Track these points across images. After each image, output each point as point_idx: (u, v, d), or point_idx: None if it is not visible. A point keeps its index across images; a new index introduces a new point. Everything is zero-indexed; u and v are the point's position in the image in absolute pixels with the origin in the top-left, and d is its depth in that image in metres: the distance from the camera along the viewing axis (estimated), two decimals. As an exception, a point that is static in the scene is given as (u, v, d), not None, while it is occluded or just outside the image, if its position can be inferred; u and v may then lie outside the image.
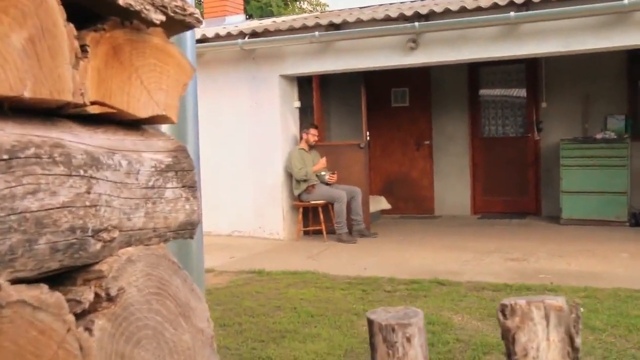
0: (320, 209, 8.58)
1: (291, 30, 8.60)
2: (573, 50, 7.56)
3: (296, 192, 8.73)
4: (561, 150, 9.08)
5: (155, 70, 0.92)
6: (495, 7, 7.65)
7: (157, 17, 0.86)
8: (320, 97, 9.86)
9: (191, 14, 0.93)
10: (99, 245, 0.83)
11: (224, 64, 9.11)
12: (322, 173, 8.70)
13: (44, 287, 0.71)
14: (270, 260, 7.32)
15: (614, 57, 9.13)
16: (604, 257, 6.83)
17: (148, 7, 0.84)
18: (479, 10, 7.76)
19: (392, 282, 6.06)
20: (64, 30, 0.77)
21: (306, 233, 8.96)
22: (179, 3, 0.90)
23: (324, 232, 8.53)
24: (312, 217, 8.85)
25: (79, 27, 0.83)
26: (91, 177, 0.82)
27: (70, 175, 0.79)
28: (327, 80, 10.43)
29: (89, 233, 0.82)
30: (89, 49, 0.82)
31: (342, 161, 9.02)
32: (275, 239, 8.85)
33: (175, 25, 0.94)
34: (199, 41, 9.07)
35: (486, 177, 10.53)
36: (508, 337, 1.33)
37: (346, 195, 8.50)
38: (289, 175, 8.85)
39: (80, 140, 0.82)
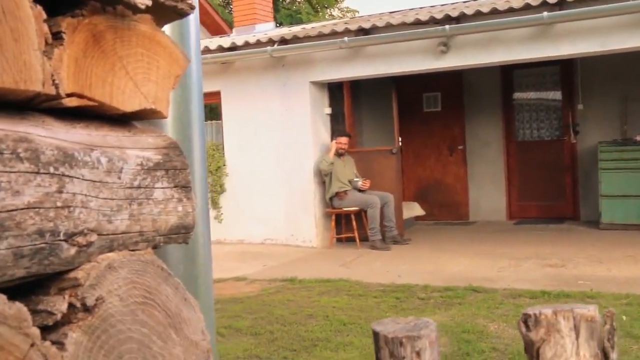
0: (353, 216, 8.49)
1: (320, 36, 8.54)
2: (610, 50, 7.36)
3: (328, 196, 8.65)
4: (599, 153, 8.85)
5: (142, 60, 0.84)
6: (527, 8, 7.50)
7: (142, 1, 0.79)
8: (352, 103, 9.80)
9: (183, 0, 0.86)
10: (73, 251, 0.75)
11: (254, 72, 9.10)
12: (355, 179, 8.62)
13: (2, 297, 0.64)
14: (302, 268, 7.26)
15: (653, 56, 8.88)
16: (646, 263, 6.62)
17: (132, -10, 0.77)
18: (510, 11, 7.62)
19: (426, 290, 5.96)
20: (30, 12, 0.69)
21: (339, 240, 8.87)
22: (169, -12, 0.83)
23: (357, 239, 8.43)
24: (345, 224, 8.77)
25: (55, 13, 0.76)
26: (63, 174, 0.74)
27: (37, 173, 0.71)
28: (358, 86, 10.36)
29: (61, 237, 0.74)
30: (64, 36, 0.75)
31: (375, 167, 8.93)
32: (308, 246, 8.79)
33: (167, 12, 0.87)
34: (229, 49, 9.09)
35: (522, 181, 10.32)
36: (531, 352, 1.17)
37: (379, 201, 8.39)
38: (322, 182, 8.78)
39: (53, 135, 0.74)
